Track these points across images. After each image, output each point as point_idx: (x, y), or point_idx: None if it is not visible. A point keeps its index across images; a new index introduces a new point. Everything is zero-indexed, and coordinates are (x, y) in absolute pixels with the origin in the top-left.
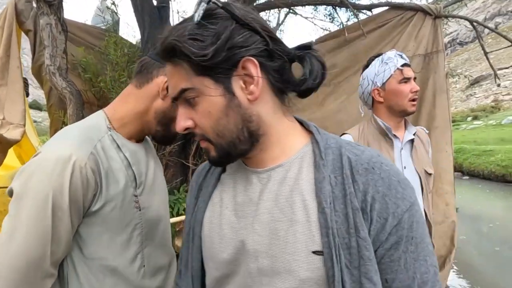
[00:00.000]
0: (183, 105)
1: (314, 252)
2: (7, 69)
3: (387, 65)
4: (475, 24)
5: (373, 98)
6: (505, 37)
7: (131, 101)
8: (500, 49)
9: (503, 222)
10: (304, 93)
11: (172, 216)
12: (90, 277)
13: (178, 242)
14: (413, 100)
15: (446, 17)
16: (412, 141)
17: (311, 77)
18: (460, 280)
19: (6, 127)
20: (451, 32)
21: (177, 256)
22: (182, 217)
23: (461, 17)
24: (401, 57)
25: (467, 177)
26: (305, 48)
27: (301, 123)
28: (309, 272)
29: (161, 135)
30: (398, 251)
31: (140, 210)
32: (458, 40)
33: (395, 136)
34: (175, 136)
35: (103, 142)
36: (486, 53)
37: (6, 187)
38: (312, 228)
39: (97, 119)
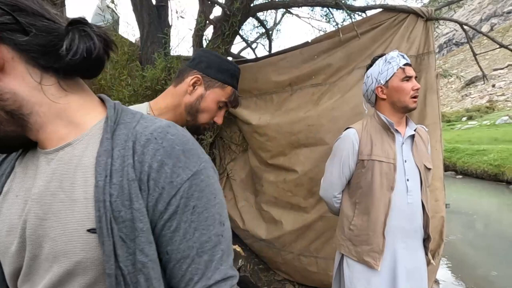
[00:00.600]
0: None
1: (89, 230)
2: None
3: (390, 64)
4: (465, 26)
5: (376, 95)
6: (493, 40)
7: (169, 96)
8: (488, 51)
9: (495, 220)
10: (74, 71)
11: None
12: None
13: None
14: (414, 97)
15: (437, 19)
16: (413, 136)
17: (70, 53)
18: (451, 275)
19: None
20: (447, 33)
21: None
22: None
23: (451, 20)
24: (403, 57)
25: (460, 176)
26: (74, 23)
27: (103, 101)
28: (84, 252)
29: (191, 125)
30: (177, 221)
31: None
32: (454, 41)
33: (397, 131)
34: (202, 126)
35: None
36: (475, 55)
37: None
38: (89, 205)
39: (141, 106)
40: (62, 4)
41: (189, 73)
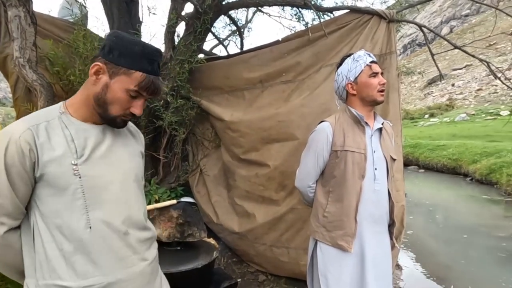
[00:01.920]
0: None
1: None
2: None
3: (358, 62)
4: (424, 29)
5: (347, 92)
6: (449, 41)
7: (82, 90)
8: (446, 51)
9: (454, 211)
10: None
11: None
12: (46, 232)
13: None
14: (381, 91)
15: (398, 21)
16: (380, 129)
17: None
18: (413, 262)
19: None
20: (411, 34)
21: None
22: (154, 205)
23: (411, 22)
24: (370, 55)
25: (422, 170)
26: None
27: None
28: None
29: (104, 117)
30: None
31: (80, 177)
32: (417, 42)
33: (366, 123)
34: (118, 118)
35: (51, 123)
36: (433, 56)
37: None
38: None
39: (53, 106)
40: None
41: (95, 61)
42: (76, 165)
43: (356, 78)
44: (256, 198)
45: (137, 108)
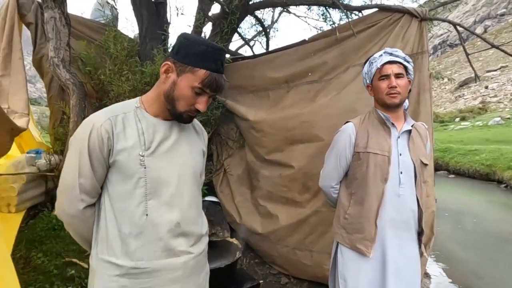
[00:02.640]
0: None
1: None
2: (9, 60)
3: (372, 65)
4: (458, 27)
5: None
6: (485, 40)
7: (155, 87)
8: (481, 50)
9: (486, 218)
10: None
11: None
12: (110, 212)
13: None
14: (390, 94)
15: (431, 19)
16: (409, 132)
17: None
18: (442, 270)
19: (11, 116)
20: (442, 34)
21: None
22: None
23: (445, 20)
24: (390, 54)
25: (453, 176)
26: None
27: None
28: None
29: (172, 113)
30: None
31: (145, 167)
32: (448, 42)
33: (393, 125)
34: (184, 114)
35: (127, 115)
36: (468, 55)
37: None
38: None
39: (131, 100)
40: (63, 0)
41: (165, 61)
42: (143, 156)
43: (371, 81)
44: (280, 199)
45: (201, 104)
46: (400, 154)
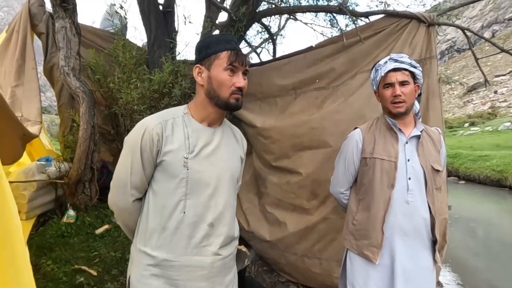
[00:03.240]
0: None
1: None
2: (23, 70)
3: (378, 72)
4: (467, 32)
5: None
6: (494, 44)
7: (197, 95)
8: (490, 55)
9: (498, 225)
10: None
11: None
12: (153, 207)
13: None
14: (395, 102)
15: (439, 24)
16: (418, 137)
17: None
18: (453, 279)
19: (24, 124)
20: (449, 39)
21: None
22: None
23: (453, 25)
24: (395, 61)
25: (463, 182)
26: None
27: None
28: None
29: (222, 105)
30: None
31: (187, 169)
32: (455, 47)
33: (400, 130)
34: (230, 99)
35: (176, 120)
36: (477, 60)
37: (19, 182)
38: None
39: (180, 107)
40: (74, 10)
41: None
42: (187, 158)
43: (378, 88)
44: (288, 206)
45: (239, 81)
46: (408, 160)
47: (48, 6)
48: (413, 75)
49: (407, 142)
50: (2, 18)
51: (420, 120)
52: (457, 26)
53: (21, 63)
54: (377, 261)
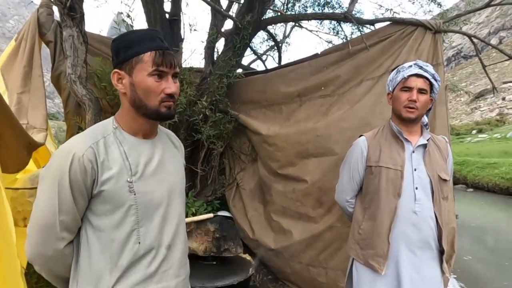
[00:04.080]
0: None
1: None
2: (30, 78)
3: (399, 73)
4: (473, 39)
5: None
6: (501, 51)
7: (121, 105)
8: (498, 62)
9: (507, 234)
10: None
11: None
12: (97, 246)
13: (189, 243)
14: (409, 107)
15: (446, 31)
16: (425, 146)
17: None
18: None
19: (30, 131)
20: (456, 46)
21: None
22: (191, 218)
23: (459, 32)
24: (419, 67)
25: (471, 190)
26: None
27: None
28: None
29: (150, 114)
30: None
31: (135, 194)
32: (462, 54)
33: (406, 139)
34: (160, 108)
35: (107, 139)
36: (484, 67)
37: (25, 189)
38: None
39: (107, 121)
40: (82, 19)
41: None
42: (131, 182)
43: (394, 90)
44: (293, 214)
45: (169, 87)
46: (415, 169)
47: (57, 15)
48: (431, 87)
49: (413, 151)
50: (13, 27)
51: (428, 130)
52: (464, 33)
53: (28, 70)
54: (383, 272)
